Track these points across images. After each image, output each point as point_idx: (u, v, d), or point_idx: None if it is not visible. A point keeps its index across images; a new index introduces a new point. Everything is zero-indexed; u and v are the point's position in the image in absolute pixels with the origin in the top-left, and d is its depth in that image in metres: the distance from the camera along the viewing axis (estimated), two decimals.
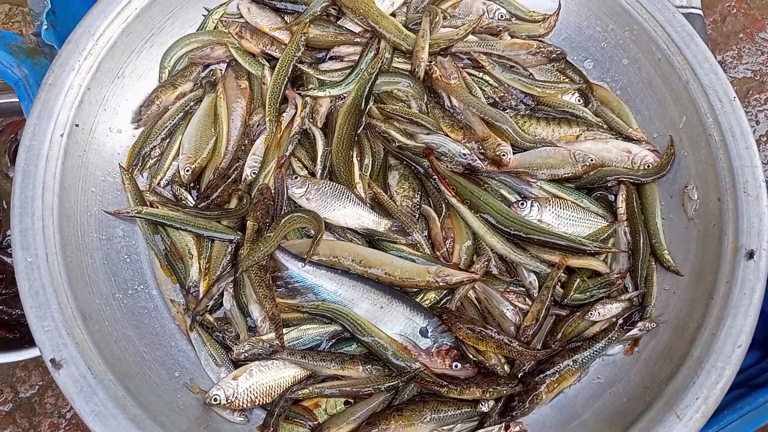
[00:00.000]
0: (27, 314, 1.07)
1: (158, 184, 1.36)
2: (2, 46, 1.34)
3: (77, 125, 1.26)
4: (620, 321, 1.24)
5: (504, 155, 1.35)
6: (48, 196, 1.17)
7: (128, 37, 1.35)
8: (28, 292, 1.08)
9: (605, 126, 1.43)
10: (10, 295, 1.86)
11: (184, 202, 1.34)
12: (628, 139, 1.40)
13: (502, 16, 1.52)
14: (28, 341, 1.66)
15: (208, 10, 1.48)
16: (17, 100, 1.67)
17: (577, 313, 1.25)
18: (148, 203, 1.32)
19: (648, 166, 1.35)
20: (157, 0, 1.38)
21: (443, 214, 1.34)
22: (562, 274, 1.29)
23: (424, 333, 1.19)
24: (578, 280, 1.29)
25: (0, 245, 1.89)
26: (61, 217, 1.18)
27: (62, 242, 1.15)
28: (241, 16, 1.49)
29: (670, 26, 1.35)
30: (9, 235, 1.89)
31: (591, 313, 1.24)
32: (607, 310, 1.24)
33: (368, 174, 1.38)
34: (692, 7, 2.13)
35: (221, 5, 1.48)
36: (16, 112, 1.85)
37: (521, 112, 1.44)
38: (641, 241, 1.31)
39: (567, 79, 1.48)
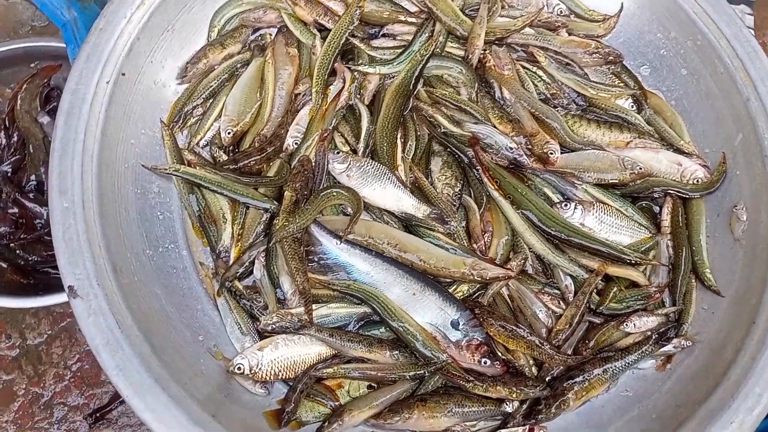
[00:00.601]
0: (59, 260, 1.05)
1: (198, 143, 1.33)
2: None
3: (124, 74, 1.23)
4: (655, 335, 1.21)
5: (551, 153, 1.32)
6: (89, 142, 1.15)
7: None
8: (62, 237, 1.05)
9: (656, 136, 1.39)
10: (27, 240, 1.84)
11: (220, 162, 1.31)
12: (679, 151, 1.37)
13: (561, 12, 1.49)
14: (42, 288, 1.64)
15: None
16: (52, 44, 1.65)
17: (612, 323, 1.23)
18: (186, 162, 1.29)
19: (697, 180, 1.32)
20: None
21: (483, 206, 1.31)
22: (600, 282, 1.26)
23: (455, 325, 1.17)
24: (615, 288, 1.26)
25: (22, 189, 1.86)
26: (100, 165, 1.15)
27: (99, 191, 1.13)
28: None
29: (736, 40, 1.32)
30: (32, 180, 1.87)
31: (626, 324, 1.21)
32: (643, 323, 1.21)
33: (411, 157, 1.34)
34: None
35: None
36: (50, 55, 1.82)
37: (572, 112, 1.41)
38: (683, 257, 1.28)
39: (621, 84, 1.44)
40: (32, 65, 1.92)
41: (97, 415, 1.55)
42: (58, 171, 1.10)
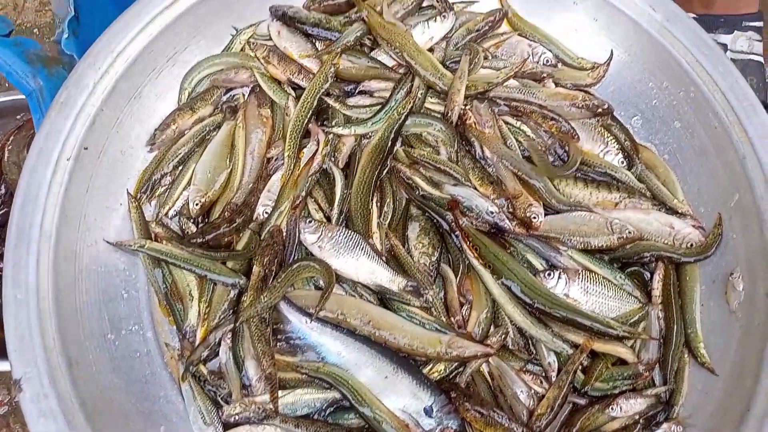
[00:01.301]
0: (9, 355, 1.02)
1: (166, 214, 1.29)
2: (19, 54, 1.27)
3: (86, 148, 1.19)
4: (643, 420, 1.14)
5: (535, 218, 1.25)
6: (47, 225, 1.11)
7: (150, 54, 1.28)
8: (14, 332, 1.02)
9: (648, 193, 1.31)
10: None
11: (188, 235, 1.27)
12: (671, 211, 1.29)
13: (547, 61, 1.41)
14: None
15: (236, 30, 1.39)
16: None
17: (597, 406, 1.15)
18: (153, 235, 1.25)
19: (691, 245, 1.24)
20: (184, 17, 1.30)
21: (462, 274, 1.25)
22: (585, 358, 1.19)
23: (428, 412, 1.11)
24: (602, 366, 1.19)
25: None
26: (58, 249, 1.12)
27: (56, 277, 1.10)
28: (270, 39, 1.40)
29: (731, 93, 1.23)
30: None
31: (612, 408, 1.14)
32: (630, 406, 1.14)
33: (387, 223, 1.29)
34: (753, 53, 2.00)
35: (251, 26, 1.40)
36: None
37: None
38: (675, 330, 1.21)
39: (612, 137, 1.36)
40: (18, 117, 1.91)
41: None
42: (13, 261, 1.07)
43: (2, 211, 1.91)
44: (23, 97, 1.84)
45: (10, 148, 1.91)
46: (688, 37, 1.26)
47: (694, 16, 2.06)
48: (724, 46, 2.04)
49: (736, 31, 2.04)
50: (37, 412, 0.97)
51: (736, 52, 2.04)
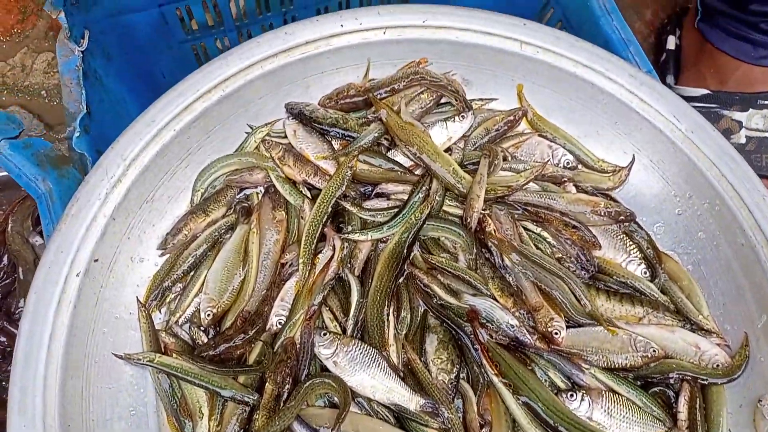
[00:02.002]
0: None
1: (176, 322, 1.25)
2: (29, 157, 1.25)
3: (96, 260, 1.16)
4: None
5: (557, 333, 1.21)
6: (55, 347, 1.08)
7: (163, 159, 1.25)
8: None
9: (672, 307, 1.28)
10: None
11: (200, 347, 1.23)
12: (696, 326, 1.25)
13: (568, 163, 1.39)
14: None
15: (251, 128, 1.37)
16: None
17: None
18: (162, 346, 1.21)
19: (717, 365, 1.21)
20: (199, 119, 1.27)
21: (481, 390, 1.21)
22: None
23: None
24: None
25: (11, 316, 1.82)
26: (66, 370, 1.08)
27: (63, 401, 1.06)
28: (285, 137, 1.38)
29: (758, 211, 1.20)
30: (21, 306, 1.83)
31: None
32: None
33: (404, 333, 1.25)
34: None
35: (266, 124, 1.38)
36: None
37: (580, 279, 1.29)
38: None
39: (634, 244, 1.33)
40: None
41: None
42: (19, 386, 1.03)
43: (4, 282, 1.88)
44: None
45: (14, 218, 1.89)
46: (713, 150, 1.24)
47: (709, 92, 2.06)
48: (739, 124, 2.03)
49: (751, 109, 2.03)
50: None
51: (752, 129, 2.03)
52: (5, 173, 1.88)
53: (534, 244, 1.32)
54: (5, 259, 1.89)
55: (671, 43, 2.26)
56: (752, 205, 1.21)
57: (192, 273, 1.29)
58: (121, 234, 1.22)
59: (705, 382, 1.21)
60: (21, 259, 1.86)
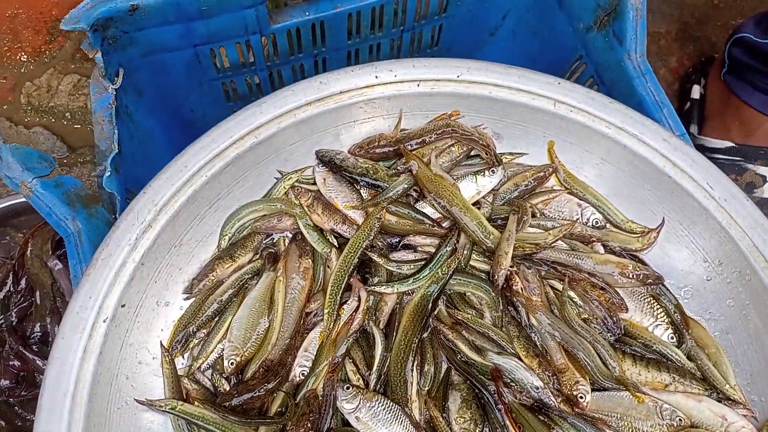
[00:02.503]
0: None
1: (199, 368, 1.24)
2: (59, 196, 1.25)
3: (123, 306, 1.16)
4: None
5: (582, 397, 1.20)
6: (79, 394, 1.07)
7: (193, 204, 1.25)
8: None
9: (699, 374, 1.27)
10: (27, 397, 1.79)
11: (222, 395, 1.22)
12: (723, 396, 1.24)
13: (597, 222, 1.38)
14: None
15: (281, 174, 1.37)
16: None
17: None
18: (184, 392, 1.20)
19: None
20: (231, 166, 1.27)
21: None
22: None
23: None
24: None
25: (26, 341, 1.82)
26: (89, 418, 1.07)
27: None
28: (314, 183, 1.38)
29: None
30: (37, 331, 1.82)
31: None
32: None
33: (427, 389, 1.24)
34: None
35: (295, 171, 1.38)
36: None
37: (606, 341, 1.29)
38: None
39: (661, 308, 1.32)
40: None
41: None
42: None
43: (21, 305, 1.88)
44: None
45: (33, 242, 1.89)
46: (746, 221, 1.23)
47: (733, 145, 2.05)
48: (763, 178, 2.02)
49: None
50: None
51: None
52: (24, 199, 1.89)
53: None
54: (23, 282, 1.89)
55: (696, 92, 2.26)
56: None
57: (216, 319, 1.28)
58: (149, 279, 1.22)
59: None
60: (39, 283, 1.86)
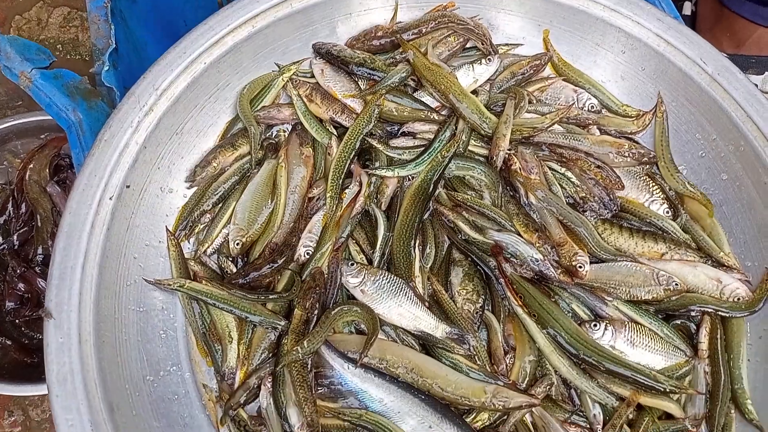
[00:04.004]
0: (51, 401, 0.99)
1: (204, 252, 1.26)
2: (59, 87, 1.26)
3: (128, 186, 1.17)
4: None
5: (580, 267, 1.23)
6: (89, 267, 1.09)
7: (192, 92, 1.26)
8: (56, 377, 1.00)
9: (693, 245, 1.30)
10: (32, 317, 1.81)
11: (229, 276, 1.24)
12: (718, 263, 1.27)
13: (592, 107, 1.40)
14: (44, 370, 1.61)
15: (279, 67, 1.38)
16: None
17: None
18: (191, 274, 1.23)
19: (738, 299, 1.23)
20: (229, 54, 1.28)
21: (504, 319, 1.23)
22: (632, 411, 1.17)
23: None
24: (648, 419, 1.16)
25: (29, 263, 1.83)
26: (100, 289, 1.10)
27: (97, 318, 1.07)
28: (313, 77, 1.39)
29: None
30: (39, 253, 1.84)
31: None
32: None
33: (429, 266, 1.27)
34: None
35: (293, 63, 1.38)
36: (59, 128, 1.80)
37: (603, 217, 1.31)
38: (722, 384, 1.19)
39: (657, 186, 1.35)
40: (43, 136, 1.90)
41: None
42: (55, 303, 1.04)
43: (23, 230, 1.89)
44: (47, 117, 1.84)
45: (32, 167, 1.89)
46: (739, 93, 1.25)
47: (724, 55, 2.06)
48: (755, 87, 2.04)
49: (766, 73, 2.04)
50: None
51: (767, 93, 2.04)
52: (22, 120, 1.89)
53: (558, 184, 1.33)
54: (23, 207, 1.90)
55: (687, 9, 2.27)
56: None
57: (220, 205, 1.30)
58: (152, 163, 1.23)
59: (726, 315, 1.22)
60: (39, 207, 1.87)
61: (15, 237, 1.87)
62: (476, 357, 1.19)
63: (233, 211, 1.28)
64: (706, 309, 1.23)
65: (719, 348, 1.21)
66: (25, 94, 2.07)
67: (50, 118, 1.80)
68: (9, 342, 1.80)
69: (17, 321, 1.81)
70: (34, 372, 1.70)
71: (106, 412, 1.00)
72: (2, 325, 1.79)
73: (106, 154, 1.15)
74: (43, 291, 1.80)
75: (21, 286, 1.82)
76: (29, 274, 1.81)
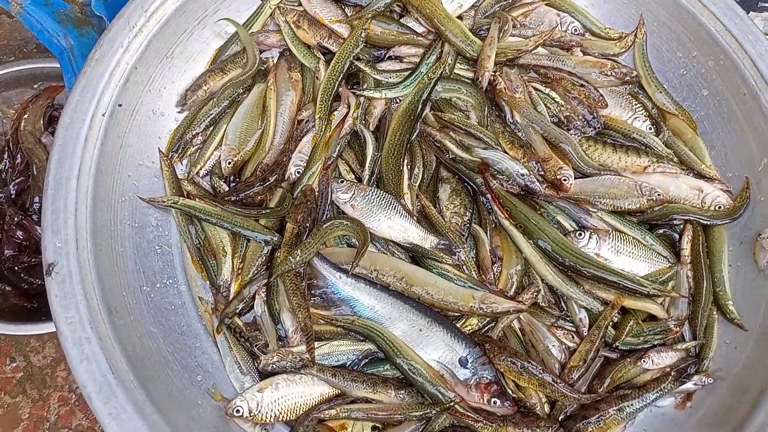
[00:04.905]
0: (51, 302, 1.02)
1: (197, 173, 1.29)
2: (50, 14, 1.28)
3: (120, 105, 1.20)
4: (674, 372, 1.15)
5: (565, 180, 1.26)
6: (83, 179, 1.11)
7: (181, 16, 1.28)
8: (54, 278, 1.02)
9: (676, 159, 1.33)
10: (31, 263, 1.83)
11: (223, 194, 1.27)
12: (700, 175, 1.30)
13: (575, 30, 1.43)
14: (45, 313, 1.63)
15: None
16: (56, 65, 1.62)
17: (629, 359, 1.17)
18: (185, 193, 1.25)
19: (719, 207, 1.26)
20: None
21: (492, 231, 1.26)
22: (616, 314, 1.20)
23: (463, 363, 1.12)
24: (632, 322, 1.20)
25: (26, 212, 1.85)
26: (95, 201, 1.12)
27: (94, 228, 1.10)
28: (300, 4, 1.41)
29: (761, 61, 1.25)
30: (36, 202, 1.85)
31: (644, 360, 1.15)
32: (661, 359, 1.15)
33: (418, 184, 1.29)
34: None
35: None
36: (54, 76, 1.80)
37: (587, 135, 1.34)
38: (704, 288, 1.22)
39: (640, 104, 1.38)
40: (36, 86, 1.91)
41: None
42: (51, 210, 1.07)
43: (19, 180, 1.90)
44: (41, 65, 1.85)
45: (26, 117, 1.90)
46: (717, 6, 1.28)
47: None
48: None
49: (752, 12, 2.06)
50: (79, 355, 0.97)
51: None
52: (15, 68, 1.90)
53: (543, 104, 1.36)
54: (19, 156, 1.91)
55: None
56: (755, 55, 1.26)
57: (212, 128, 1.32)
58: (143, 85, 1.25)
59: (708, 223, 1.26)
60: (34, 156, 1.88)
61: (12, 186, 1.89)
62: (464, 267, 1.22)
63: (224, 133, 1.30)
64: (688, 218, 1.26)
65: (701, 253, 1.24)
66: (16, 47, 2.09)
67: (43, 66, 1.83)
68: (8, 288, 1.82)
69: (16, 268, 1.83)
70: (34, 315, 1.72)
71: (104, 313, 1.03)
72: (1, 272, 1.81)
73: (97, 72, 1.17)
74: (40, 237, 1.82)
75: (19, 233, 1.84)
76: (27, 221, 1.83)
